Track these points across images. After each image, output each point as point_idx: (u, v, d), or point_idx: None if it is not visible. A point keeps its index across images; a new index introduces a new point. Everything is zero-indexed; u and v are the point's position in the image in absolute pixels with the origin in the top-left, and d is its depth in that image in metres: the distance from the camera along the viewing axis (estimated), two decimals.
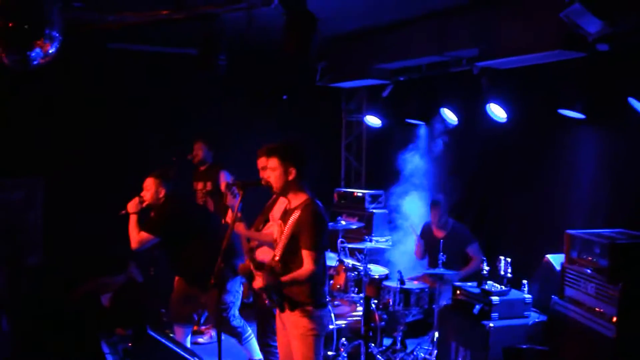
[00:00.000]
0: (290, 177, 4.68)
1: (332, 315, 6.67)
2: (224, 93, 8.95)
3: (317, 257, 4.55)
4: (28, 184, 7.99)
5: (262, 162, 5.93)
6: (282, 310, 4.67)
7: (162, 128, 8.84)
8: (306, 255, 4.53)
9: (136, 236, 6.12)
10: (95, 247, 7.97)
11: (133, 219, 6.18)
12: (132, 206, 6.22)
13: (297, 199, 4.73)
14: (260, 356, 6.53)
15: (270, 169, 4.75)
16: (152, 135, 8.74)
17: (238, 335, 6.49)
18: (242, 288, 6.42)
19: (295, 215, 4.60)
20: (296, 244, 4.57)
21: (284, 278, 4.53)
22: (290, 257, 4.59)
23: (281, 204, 5.60)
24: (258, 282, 4.52)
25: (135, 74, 8.65)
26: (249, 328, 6.54)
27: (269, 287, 4.50)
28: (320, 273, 4.65)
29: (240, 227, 5.72)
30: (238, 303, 6.46)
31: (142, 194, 6.28)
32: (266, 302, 4.77)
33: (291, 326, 4.71)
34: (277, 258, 4.61)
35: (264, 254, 5.55)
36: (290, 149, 4.74)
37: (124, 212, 6.23)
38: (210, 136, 8.03)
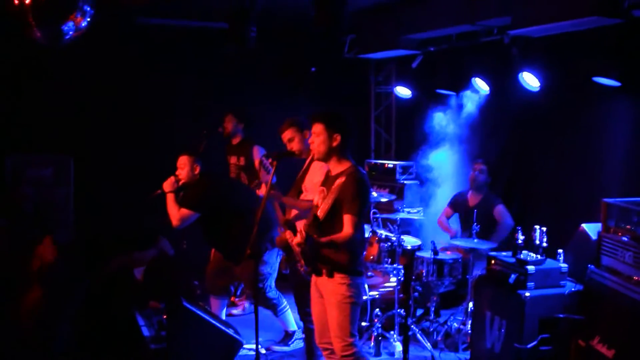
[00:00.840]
0: (335, 144, 4.68)
1: (366, 285, 6.70)
2: (252, 67, 8.95)
3: (357, 223, 4.56)
4: (57, 160, 8.08)
5: (287, 135, 5.93)
6: (318, 275, 4.70)
7: (191, 103, 8.88)
8: (347, 220, 4.53)
9: (177, 214, 6.11)
10: (125, 222, 8.06)
11: (170, 198, 6.18)
12: (167, 185, 6.22)
13: (340, 166, 4.74)
14: (296, 327, 6.60)
15: (314, 134, 4.74)
16: (181, 111, 8.77)
17: (273, 307, 6.53)
18: (279, 260, 6.44)
19: (340, 180, 4.57)
20: (339, 209, 4.56)
21: (323, 239, 4.51)
22: (331, 220, 4.57)
23: (312, 174, 5.61)
24: (298, 238, 4.46)
25: (164, 49, 8.67)
26: (284, 300, 6.57)
27: (309, 241, 4.43)
28: (358, 241, 4.66)
29: (277, 196, 5.70)
30: (274, 275, 6.49)
31: (177, 172, 6.27)
32: (302, 269, 4.76)
33: (328, 294, 4.72)
34: (320, 218, 4.57)
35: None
36: (336, 116, 4.77)
37: (159, 191, 6.24)
38: (240, 109, 8.04)
